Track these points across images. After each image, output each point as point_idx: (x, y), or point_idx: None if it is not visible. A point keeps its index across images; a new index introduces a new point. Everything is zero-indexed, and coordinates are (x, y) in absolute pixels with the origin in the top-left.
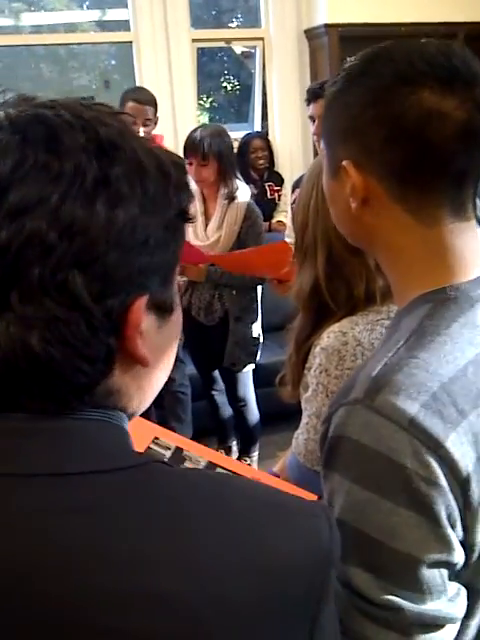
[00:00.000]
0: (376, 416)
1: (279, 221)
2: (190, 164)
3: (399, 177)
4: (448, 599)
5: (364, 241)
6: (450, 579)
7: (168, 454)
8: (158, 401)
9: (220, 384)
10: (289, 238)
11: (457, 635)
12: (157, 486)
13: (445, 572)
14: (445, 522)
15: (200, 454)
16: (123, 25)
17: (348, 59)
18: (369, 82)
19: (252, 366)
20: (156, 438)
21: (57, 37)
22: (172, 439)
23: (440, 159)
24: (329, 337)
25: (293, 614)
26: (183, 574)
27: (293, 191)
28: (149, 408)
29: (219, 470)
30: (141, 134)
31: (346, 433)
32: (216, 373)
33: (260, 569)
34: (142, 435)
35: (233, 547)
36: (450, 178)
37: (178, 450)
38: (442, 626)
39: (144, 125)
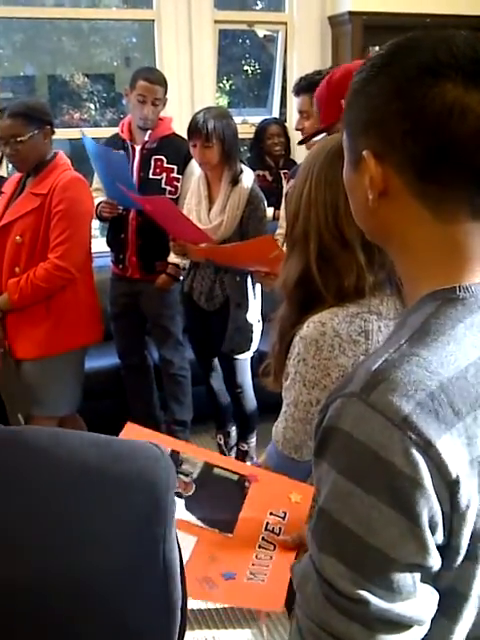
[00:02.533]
0: (370, 411)
1: None
2: (194, 146)
3: (419, 171)
4: (417, 601)
5: (380, 236)
6: (422, 581)
7: None
8: (159, 383)
9: (219, 370)
10: (281, 228)
11: (441, 639)
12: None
13: (417, 575)
14: (425, 525)
15: (196, 455)
16: (146, 2)
17: (370, 48)
18: (393, 72)
19: (250, 353)
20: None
21: (79, 12)
22: (168, 443)
23: (461, 155)
24: (308, 327)
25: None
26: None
27: (288, 180)
28: (151, 391)
29: (216, 471)
30: (150, 113)
31: (339, 424)
32: (215, 360)
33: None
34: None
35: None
36: (471, 176)
37: (174, 453)
38: (408, 627)
39: (153, 104)
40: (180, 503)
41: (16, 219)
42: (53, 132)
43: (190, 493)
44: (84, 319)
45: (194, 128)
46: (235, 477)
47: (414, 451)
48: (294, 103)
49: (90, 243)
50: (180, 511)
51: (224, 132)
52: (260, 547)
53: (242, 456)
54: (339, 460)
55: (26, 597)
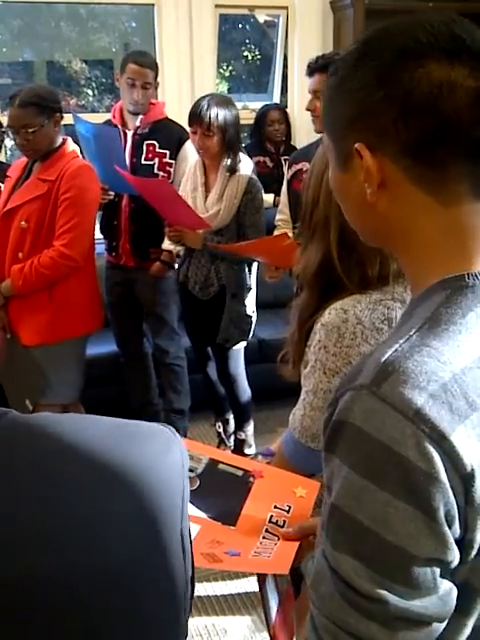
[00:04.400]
0: (381, 404)
1: None
2: (194, 133)
3: (415, 155)
4: (438, 597)
5: (381, 233)
6: (442, 577)
7: None
8: (157, 372)
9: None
10: (281, 214)
11: (454, 634)
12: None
13: (437, 570)
14: (442, 519)
15: (201, 452)
16: None
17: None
18: (371, 63)
19: (244, 343)
20: None
21: None
22: None
23: (456, 131)
24: (330, 314)
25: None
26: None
27: (290, 166)
28: (149, 378)
29: (221, 466)
30: (140, 97)
31: (349, 418)
32: (209, 349)
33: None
34: None
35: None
36: (468, 150)
37: None
38: (428, 624)
39: (143, 88)
40: None
41: (22, 204)
42: (62, 118)
43: (194, 487)
44: (86, 306)
45: (195, 115)
46: (240, 473)
47: (428, 445)
48: (308, 83)
49: (94, 231)
50: None
51: (226, 121)
52: (263, 538)
53: (240, 445)
54: (351, 455)
55: (46, 587)
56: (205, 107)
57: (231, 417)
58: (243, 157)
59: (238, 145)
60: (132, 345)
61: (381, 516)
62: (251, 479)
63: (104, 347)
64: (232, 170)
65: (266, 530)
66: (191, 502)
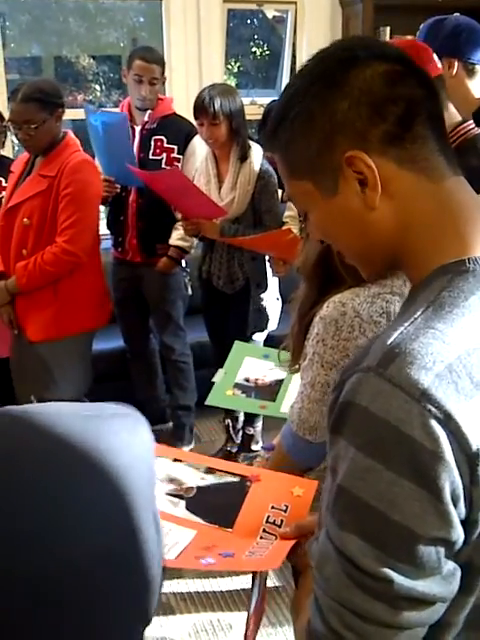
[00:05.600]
0: (388, 385)
1: None
2: (201, 124)
3: (399, 140)
4: (441, 577)
5: (381, 248)
6: (446, 557)
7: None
8: (163, 368)
9: None
10: (290, 210)
11: (455, 612)
12: None
13: (442, 550)
14: (447, 499)
15: (199, 462)
16: None
17: (380, 28)
18: (322, 85)
19: (263, 335)
20: None
21: None
22: (171, 453)
23: (420, 107)
24: (328, 307)
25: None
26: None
27: None
28: (156, 374)
29: (218, 473)
30: (147, 93)
31: (356, 400)
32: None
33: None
34: None
35: None
36: (433, 123)
37: (176, 461)
38: (431, 603)
39: (150, 84)
40: (181, 504)
41: (24, 201)
42: (64, 113)
43: (191, 495)
44: (91, 302)
45: (200, 106)
46: (237, 478)
47: (434, 424)
48: None
49: (98, 226)
50: (180, 511)
51: (231, 108)
52: (260, 538)
53: (248, 440)
54: (357, 436)
55: (36, 583)
56: (208, 98)
57: (241, 414)
58: (254, 145)
59: (245, 132)
60: (138, 341)
61: (387, 496)
62: (248, 483)
63: (111, 343)
64: (243, 158)
65: (263, 530)
66: (187, 508)
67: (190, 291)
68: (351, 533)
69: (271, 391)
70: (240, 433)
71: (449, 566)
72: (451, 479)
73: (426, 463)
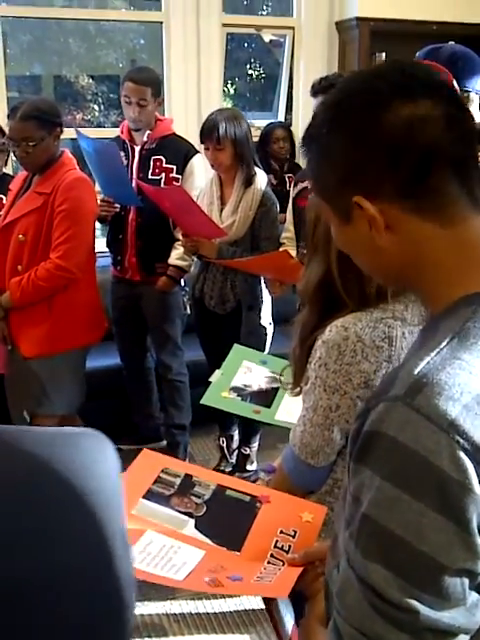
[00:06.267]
0: (416, 415)
1: None
2: (206, 149)
3: (411, 191)
4: (466, 608)
5: (395, 272)
6: (471, 588)
7: (177, 481)
8: (159, 386)
9: None
10: (287, 231)
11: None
12: None
13: (467, 581)
14: (474, 530)
15: (209, 479)
16: (154, 5)
17: (377, 54)
18: (345, 126)
19: None
20: (165, 468)
21: (88, 13)
22: (181, 467)
23: (439, 156)
24: (331, 331)
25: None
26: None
27: (296, 184)
28: (151, 392)
29: (228, 493)
30: (136, 114)
31: (383, 429)
32: None
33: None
34: (151, 466)
35: None
36: (455, 170)
37: (187, 477)
38: (455, 635)
39: (139, 105)
40: (190, 522)
41: (19, 217)
42: (62, 132)
43: (200, 513)
44: (86, 318)
45: (206, 131)
46: (247, 498)
47: (462, 455)
48: (312, 104)
49: (93, 243)
50: (189, 530)
51: (236, 134)
52: (268, 563)
53: (243, 460)
54: (384, 466)
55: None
56: (214, 122)
57: (236, 433)
58: (258, 171)
59: (251, 158)
60: (135, 360)
61: (414, 526)
62: (258, 505)
63: (106, 360)
64: (248, 183)
65: (271, 555)
66: (196, 527)
67: (188, 310)
68: (375, 562)
69: (266, 397)
70: (235, 453)
71: (474, 597)
72: (478, 511)
73: (454, 494)
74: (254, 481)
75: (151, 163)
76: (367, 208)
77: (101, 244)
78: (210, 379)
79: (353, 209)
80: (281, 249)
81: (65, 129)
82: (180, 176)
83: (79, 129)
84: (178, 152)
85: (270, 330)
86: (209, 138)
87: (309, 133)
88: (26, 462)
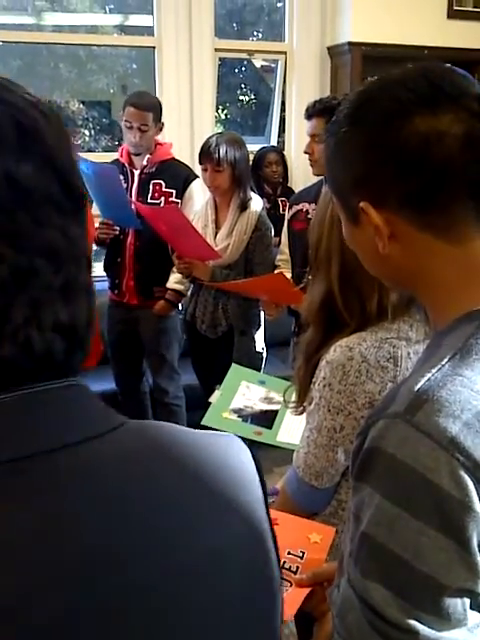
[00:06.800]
0: (416, 432)
1: None
2: (205, 170)
3: (419, 206)
4: (467, 629)
5: (400, 278)
6: (471, 608)
7: None
8: (154, 411)
9: None
10: (282, 254)
11: None
12: (148, 439)
13: (467, 601)
14: (474, 549)
15: None
16: (145, 30)
17: (369, 79)
18: (362, 129)
19: None
20: None
21: (80, 37)
22: None
23: (451, 175)
24: (336, 351)
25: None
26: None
27: (290, 207)
28: (146, 416)
29: None
30: (137, 139)
31: (382, 446)
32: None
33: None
34: None
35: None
36: (468, 191)
37: None
38: None
39: (140, 130)
40: None
41: None
42: None
43: None
44: None
45: (205, 152)
46: None
47: (462, 473)
48: (306, 126)
49: None
50: None
51: (235, 157)
52: None
53: None
54: (384, 483)
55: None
56: (214, 144)
57: None
58: (254, 196)
59: (248, 182)
60: (131, 383)
61: (413, 545)
62: None
63: (101, 385)
64: (243, 207)
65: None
66: None
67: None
68: (375, 582)
69: (267, 418)
70: None
71: (474, 618)
72: (478, 530)
73: (454, 513)
74: None
75: (151, 187)
76: (372, 216)
77: (98, 268)
78: (210, 399)
79: (360, 213)
80: (277, 272)
81: None
82: (179, 200)
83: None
84: (178, 176)
85: (264, 355)
86: (209, 159)
87: (331, 127)
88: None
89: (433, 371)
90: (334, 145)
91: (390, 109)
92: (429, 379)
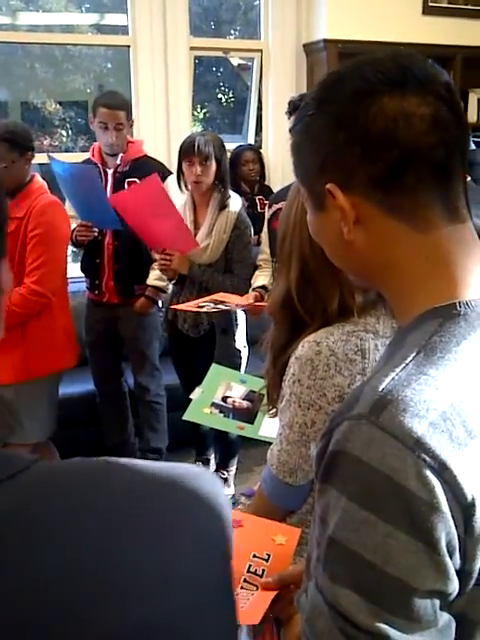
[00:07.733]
0: (380, 433)
1: None
2: (191, 164)
3: (384, 187)
4: (437, 630)
5: (363, 269)
6: (442, 609)
7: None
8: (134, 410)
9: None
10: (263, 253)
11: None
12: (54, 483)
13: (437, 602)
14: (443, 550)
15: None
16: (121, 29)
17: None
18: (329, 109)
19: None
20: None
21: (56, 37)
22: None
23: (418, 157)
24: (303, 347)
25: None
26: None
27: (270, 206)
28: (126, 418)
29: None
30: (114, 139)
31: (347, 448)
32: None
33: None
34: None
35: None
36: (433, 174)
37: None
38: None
39: (116, 130)
40: None
41: None
42: (33, 156)
43: None
44: (60, 344)
45: (190, 146)
46: None
47: (429, 474)
48: (282, 123)
49: (66, 267)
50: None
51: (220, 155)
52: (241, 588)
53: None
54: (349, 486)
55: None
56: (201, 139)
57: (211, 457)
58: (233, 194)
59: (228, 181)
60: (110, 384)
61: (382, 548)
62: None
63: (79, 386)
64: (222, 206)
65: (244, 580)
66: None
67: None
68: (344, 587)
69: (249, 413)
70: None
71: (445, 618)
72: (447, 530)
73: (422, 514)
74: (233, 505)
75: (125, 186)
76: (338, 197)
77: (74, 269)
78: (191, 396)
79: (326, 197)
80: (260, 271)
81: (36, 155)
82: None
83: (51, 154)
84: (152, 173)
85: (245, 353)
86: (196, 154)
87: (299, 113)
88: (143, 506)
89: (397, 370)
90: (301, 129)
91: (359, 88)
92: (393, 378)
